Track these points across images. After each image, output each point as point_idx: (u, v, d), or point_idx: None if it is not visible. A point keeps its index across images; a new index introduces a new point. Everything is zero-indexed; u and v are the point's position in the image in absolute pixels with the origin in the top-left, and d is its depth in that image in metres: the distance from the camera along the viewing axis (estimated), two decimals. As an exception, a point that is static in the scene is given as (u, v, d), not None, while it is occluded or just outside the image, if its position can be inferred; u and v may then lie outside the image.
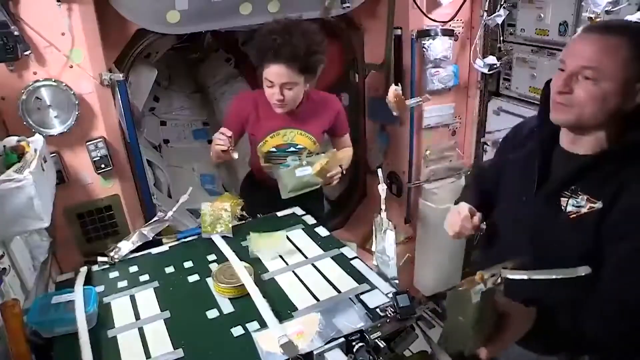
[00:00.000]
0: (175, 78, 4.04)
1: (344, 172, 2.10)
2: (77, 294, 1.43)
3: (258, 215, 2.07)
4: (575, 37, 1.13)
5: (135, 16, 1.93)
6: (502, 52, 2.47)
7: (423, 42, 2.44)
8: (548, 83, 1.19)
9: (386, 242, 1.83)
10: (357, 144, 2.95)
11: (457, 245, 2.80)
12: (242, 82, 3.84)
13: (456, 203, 1.45)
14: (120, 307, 1.49)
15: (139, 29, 2.01)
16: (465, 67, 2.63)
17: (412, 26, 2.43)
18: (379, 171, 2.01)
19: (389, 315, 1.35)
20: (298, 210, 2.05)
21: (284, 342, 1.22)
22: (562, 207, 1.15)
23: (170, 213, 1.90)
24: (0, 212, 1.25)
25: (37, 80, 1.71)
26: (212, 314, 1.42)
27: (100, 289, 1.57)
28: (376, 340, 1.29)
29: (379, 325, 1.33)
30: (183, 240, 1.87)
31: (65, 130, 1.79)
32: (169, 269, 1.67)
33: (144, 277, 1.64)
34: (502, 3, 2.32)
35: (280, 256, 1.69)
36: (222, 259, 1.67)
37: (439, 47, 2.46)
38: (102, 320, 1.41)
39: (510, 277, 0.85)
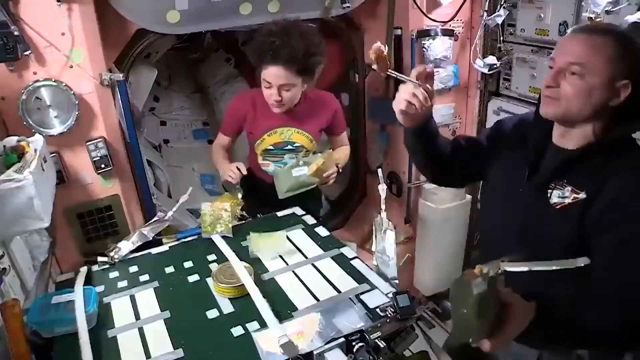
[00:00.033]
0: (175, 78, 4.04)
1: (340, 170, 2.11)
2: (77, 294, 1.43)
3: (258, 215, 2.08)
4: (565, 37, 1.20)
5: (135, 16, 1.93)
6: (502, 52, 2.46)
7: (423, 42, 2.44)
8: None
9: (386, 242, 1.84)
10: (357, 144, 2.96)
11: (457, 245, 2.80)
12: (242, 82, 3.83)
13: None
14: (120, 307, 1.49)
15: (139, 29, 2.01)
16: (465, 67, 2.62)
17: (412, 26, 2.43)
18: (379, 171, 2.01)
19: (389, 315, 1.36)
20: (298, 210, 2.05)
21: (284, 342, 1.22)
22: (549, 199, 1.20)
23: (170, 213, 1.91)
24: (0, 212, 1.25)
25: (37, 80, 1.71)
26: (212, 314, 1.43)
27: (100, 289, 1.57)
28: (376, 340, 1.29)
29: (379, 325, 1.33)
30: (183, 240, 1.87)
31: (65, 130, 1.79)
32: (169, 269, 1.67)
33: (144, 277, 1.64)
34: (502, 3, 2.32)
35: (280, 256, 1.69)
36: (222, 259, 1.67)
37: (439, 47, 2.46)
38: (102, 320, 1.41)
39: (510, 269, 0.85)
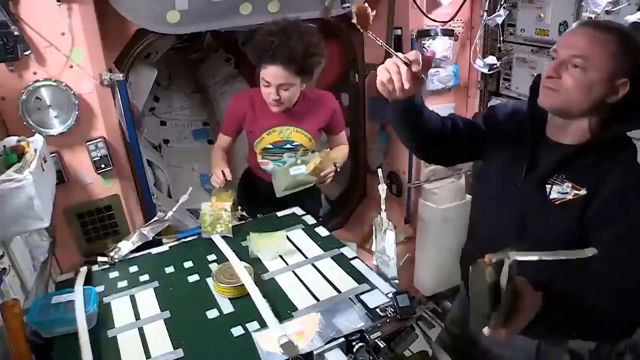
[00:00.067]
0: (175, 78, 4.04)
1: (338, 170, 2.11)
2: (77, 294, 1.43)
3: (258, 215, 2.08)
4: (569, 30, 1.21)
5: (135, 16, 1.93)
6: (502, 52, 2.47)
7: (423, 42, 2.44)
8: (537, 78, 1.26)
9: (386, 242, 1.83)
10: (357, 144, 2.96)
11: (457, 245, 2.79)
12: (242, 82, 3.83)
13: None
14: (120, 307, 1.49)
15: (139, 29, 2.01)
16: (465, 67, 2.63)
17: (412, 26, 2.43)
18: (379, 171, 2.01)
19: (389, 315, 1.36)
20: (298, 210, 2.05)
21: (284, 342, 1.22)
22: (548, 194, 1.21)
23: (170, 213, 1.91)
24: (0, 212, 1.25)
25: (37, 80, 1.71)
26: (212, 314, 1.43)
27: (100, 289, 1.57)
28: (376, 340, 1.29)
29: (379, 325, 1.33)
30: (183, 240, 1.87)
31: (65, 130, 1.79)
32: (169, 269, 1.67)
33: (144, 277, 1.64)
34: (502, 3, 2.32)
35: (280, 256, 1.69)
36: (222, 259, 1.67)
37: (439, 47, 2.46)
38: (102, 320, 1.41)
39: (520, 258, 0.86)
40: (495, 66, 2.45)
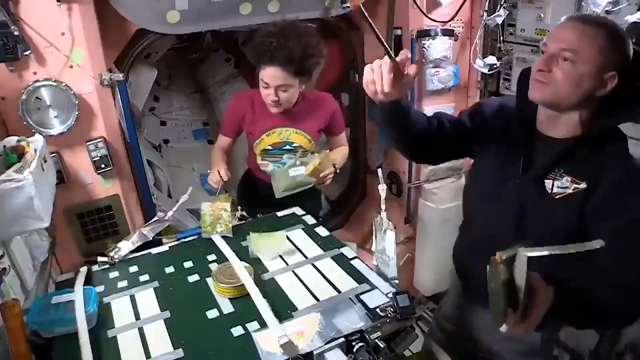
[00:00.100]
0: (175, 78, 4.04)
1: (338, 171, 2.11)
2: (77, 294, 1.43)
3: (258, 215, 2.08)
4: (559, 24, 1.21)
5: (135, 16, 1.93)
6: (502, 52, 2.46)
7: (423, 42, 2.44)
8: (522, 73, 1.27)
9: (386, 242, 1.84)
10: (357, 144, 2.96)
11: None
12: (242, 82, 3.83)
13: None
14: (120, 307, 1.49)
15: (139, 29, 2.01)
16: (465, 67, 2.62)
17: (412, 26, 2.43)
18: (379, 171, 2.01)
19: (389, 315, 1.36)
20: (298, 210, 2.05)
21: (284, 342, 1.22)
22: (548, 189, 1.22)
23: (170, 213, 1.91)
24: (0, 212, 1.25)
25: (37, 80, 1.71)
26: (212, 314, 1.43)
27: (100, 289, 1.57)
28: (376, 340, 1.29)
29: (379, 325, 1.33)
30: (183, 240, 1.87)
31: (65, 130, 1.78)
32: (169, 269, 1.67)
33: (144, 277, 1.64)
34: (502, 3, 2.32)
35: (280, 256, 1.69)
36: (222, 259, 1.67)
37: (439, 47, 2.46)
38: (102, 320, 1.41)
39: (531, 254, 0.86)
40: (495, 66, 2.45)
